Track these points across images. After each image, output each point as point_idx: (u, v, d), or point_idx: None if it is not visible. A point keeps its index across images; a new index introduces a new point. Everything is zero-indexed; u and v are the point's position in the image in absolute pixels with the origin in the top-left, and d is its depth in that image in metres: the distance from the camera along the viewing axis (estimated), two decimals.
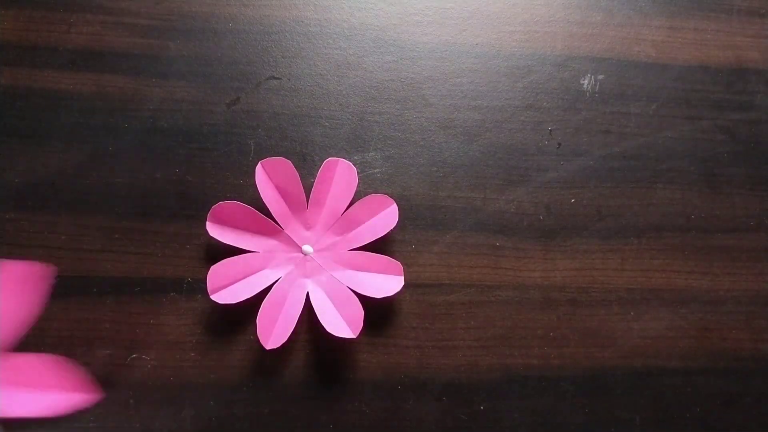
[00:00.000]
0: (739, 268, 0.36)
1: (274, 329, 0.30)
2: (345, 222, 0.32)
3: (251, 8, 0.36)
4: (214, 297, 0.30)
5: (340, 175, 0.32)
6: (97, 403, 0.30)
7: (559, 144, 0.36)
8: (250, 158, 0.34)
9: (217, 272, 0.30)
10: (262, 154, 0.34)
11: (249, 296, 0.30)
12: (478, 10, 0.38)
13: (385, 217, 0.32)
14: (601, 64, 0.37)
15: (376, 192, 0.33)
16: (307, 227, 0.32)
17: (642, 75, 0.38)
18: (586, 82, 0.37)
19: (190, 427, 0.31)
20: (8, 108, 0.33)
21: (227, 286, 0.30)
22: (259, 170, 0.31)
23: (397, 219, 0.32)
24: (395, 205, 0.32)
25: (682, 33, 0.39)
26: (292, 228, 0.32)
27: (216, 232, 0.31)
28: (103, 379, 0.31)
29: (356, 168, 0.33)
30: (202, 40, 0.35)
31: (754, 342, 0.35)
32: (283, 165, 0.31)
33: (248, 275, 0.31)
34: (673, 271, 0.35)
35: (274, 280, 0.31)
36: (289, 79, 0.35)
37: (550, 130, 0.36)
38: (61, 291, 0.32)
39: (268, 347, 0.30)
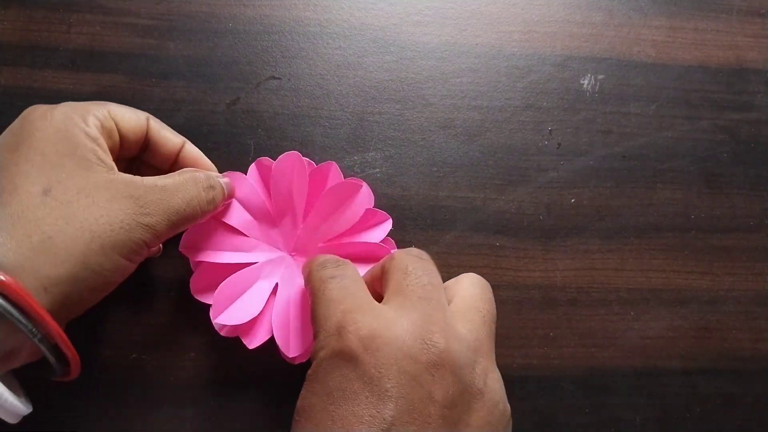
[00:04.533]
0: (739, 268, 0.36)
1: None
2: (334, 230, 0.32)
3: (251, 8, 0.36)
4: (218, 321, 0.29)
5: (333, 181, 0.32)
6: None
7: (559, 144, 0.36)
8: (250, 158, 0.34)
9: (217, 300, 0.29)
10: (262, 154, 0.34)
11: (254, 315, 0.29)
12: (478, 10, 0.38)
13: (376, 232, 0.32)
14: (601, 64, 0.37)
15: (375, 191, 0.33)
16: (296, 230, 0.32)
17: (642, 75, 0.38)
18: (586, 82, 0.37)
19: (190, 427, 0.31)
20: (8, 108, 0.33)
21: (227, 308, 0.29)
22: (252, 170, 0.31)
23: (386, 234, 0.32)
24: (389, 221, 0.32)
25: (682, 33, 0.39)
26: (281, 229, 0.32)
27: (195, 255, 0.30)
28: (103, 379, 0.31)
29: (356, 168, 0.33)
30: (202, 40, 0.35)
31: (754, 342, 0.35)
32: (281, 165, 0.31)
33: (243, 292, 0.30)
34: (673, 271, 0.35)
35: (269, 290, 0.31)
36: (289, 79, 0.35)
37: (550, 130, 0.36)
38: None
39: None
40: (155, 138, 0.29)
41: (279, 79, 0.35)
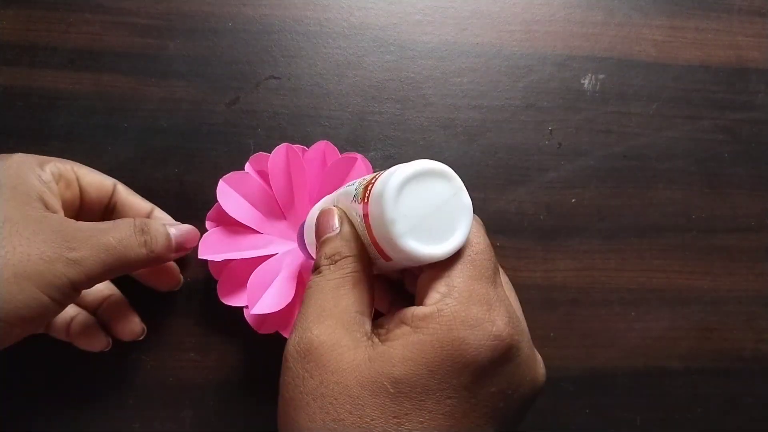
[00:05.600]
0: (739, 268, 0.36)
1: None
2: None
3: (251, 8, 0.36)
4: (254, 311, 0.29)
5: (357, 172, 0.32)
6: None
7: (560, 144, 0.36)
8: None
9: (210, 237, 0.30)
10: None
11: (287, 301, 0.29)
12: (478, 10, 0.37)
13: None
14: (602, 64, 0.37)
15: None
16: (306, 216, 0.32)
17: (643, 75, 0.38)
18: (586, 81, 0.37)
19: (189, 427, 0.31)
20: (8, 108, 0.33)
21: (260, 299, 0.29)
22: (279, 151, 0.31)
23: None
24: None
25: (682, 32, 0.39)
26: (291, 219, 0.32)
27: (224, 198, 0.30)
28: (104, 379, 0.31)
29: None
30: (202, 40, 0.35)
31: (754, 342, 0.35)
32: (296, 154, 0.31)
33: (271, 282, 0.30)
34: (674, 271, 0.35)
35: (293, 279, 0.31)
36: (289, 79, 0.35)
37: (551, 130, 0.36)
38: None
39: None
40: (122, 202, 0.30)
41: (279, 78, 0.35)
